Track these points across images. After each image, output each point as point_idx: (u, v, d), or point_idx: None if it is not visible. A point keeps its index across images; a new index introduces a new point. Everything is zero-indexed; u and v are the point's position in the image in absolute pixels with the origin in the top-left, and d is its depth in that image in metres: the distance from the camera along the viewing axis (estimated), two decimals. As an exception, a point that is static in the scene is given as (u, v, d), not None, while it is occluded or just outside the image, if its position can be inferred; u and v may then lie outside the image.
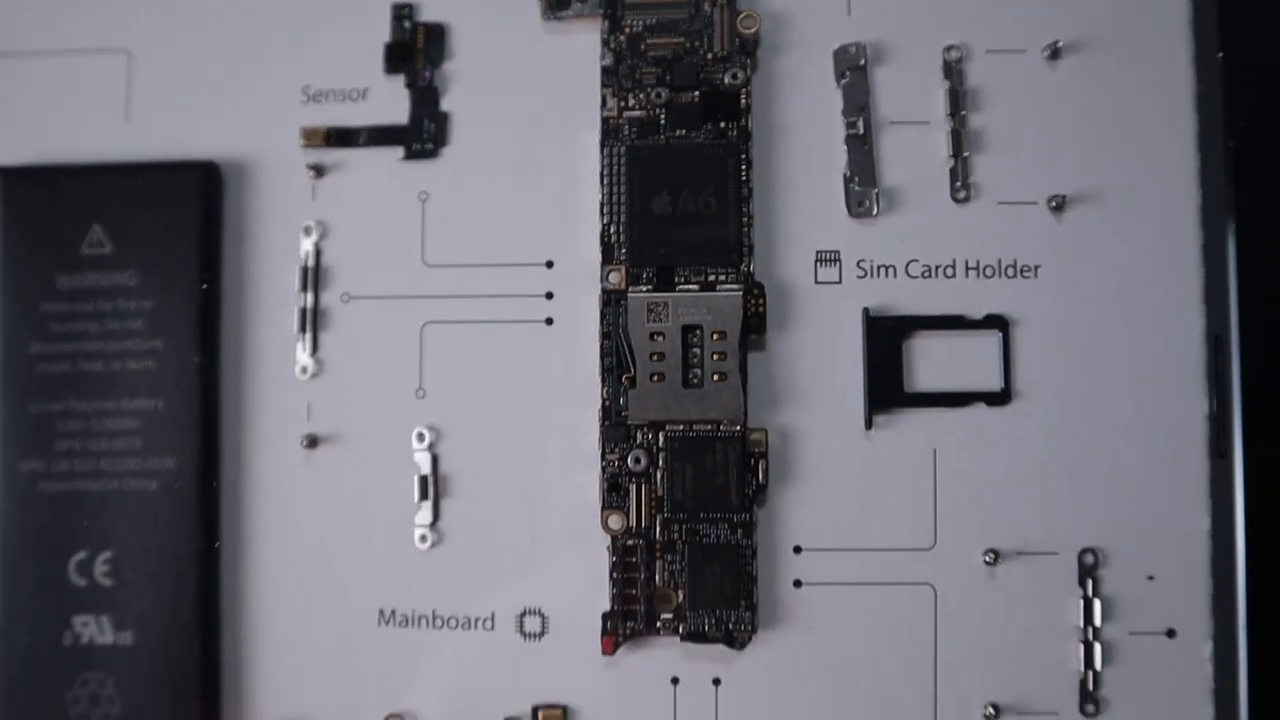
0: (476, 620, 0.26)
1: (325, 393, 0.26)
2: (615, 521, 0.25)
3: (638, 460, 0.25)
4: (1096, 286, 0.25)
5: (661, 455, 0.25)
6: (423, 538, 0.26)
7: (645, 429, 0.25)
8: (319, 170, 0.26)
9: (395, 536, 0.26)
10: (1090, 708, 0.25)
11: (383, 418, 0.26)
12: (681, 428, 0.25)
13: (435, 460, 0.26)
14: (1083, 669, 0.25)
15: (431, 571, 0.26)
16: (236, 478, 0.26)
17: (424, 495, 0.26)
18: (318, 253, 0.26)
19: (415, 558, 0.26)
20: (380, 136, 0.26)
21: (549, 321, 0.26)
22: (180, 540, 0.26)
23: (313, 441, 0.26)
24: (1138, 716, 0.25)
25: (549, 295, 0.26)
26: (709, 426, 0.24)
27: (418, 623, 0.26)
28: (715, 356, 0.24)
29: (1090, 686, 0.25)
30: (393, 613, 0.26)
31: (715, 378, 0.24)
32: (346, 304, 0.26)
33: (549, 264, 0.26)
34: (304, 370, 0.26)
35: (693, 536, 0.24)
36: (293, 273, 0.26)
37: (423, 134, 0.26)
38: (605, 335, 0.25)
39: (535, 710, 0.25)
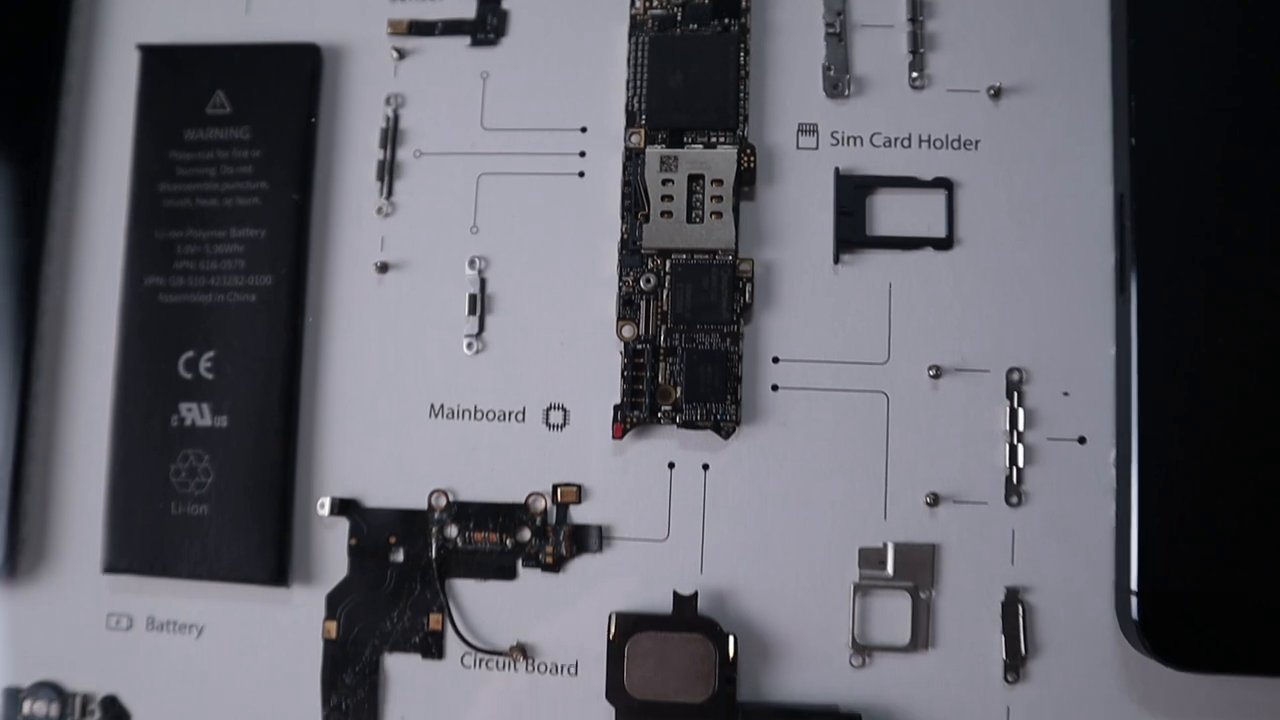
0: (510, 413, 0.31)
1: (396, 228, 0.32)
2: (628, 331, 0.30)
3: (648, 280, 0.30)
4: (1025, 157, 0.30)
5: (667, 277, 0.30)
6: (469, 345, 0.31)
7: (655, 256, 0.30)
8: (401, 53, 0.33)
9: (446, 344, 0.31)
10: (1014, 499, 0.30)
11: (441, 249, 0.32)
12: (684, 256, 0.30)
13: (483, 283, 0.31)
14: (1008, 467, 0.30)
15: (475, 373, 0.31)
16: (320, 295, 0.32)
17: (472, 311, 0.31)
18: (396, 118, 0.32)
19: (462, 361, 0.31)
20: (452, 28, 0.33)
21: (581, 174, 0.32)
22: (271, 344, 0.32)
23: (384, 267, 0.32)
24: (1053, 507, 0.30)
25: (582, 154, 0.32)
26: (707, 255, 0.30)
27: (461, 415, 0.31)
28: (713, 200, 0.30)
29: (1014, 481, 0.30)
30: (441, 406, 0.31)
31: (713, 216, 0.30)
32: (418, 159, 0.32)
33: (583, 129, 0.32)
34: (379, 210, 0.32)
35: (690, 343, 0.30)
36: (374, 134, 0.32)
37: (486, 26, 0.33)
38: (626, 183, 0.31)
39: (555, 488, 0.31)
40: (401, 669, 0.31)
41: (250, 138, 0.32)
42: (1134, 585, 0.28)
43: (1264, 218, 0.28)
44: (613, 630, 0.29)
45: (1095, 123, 0.30)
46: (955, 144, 0.31)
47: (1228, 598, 0.28)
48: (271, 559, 0.31)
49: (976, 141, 0.31)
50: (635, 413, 0.30)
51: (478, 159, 0.32)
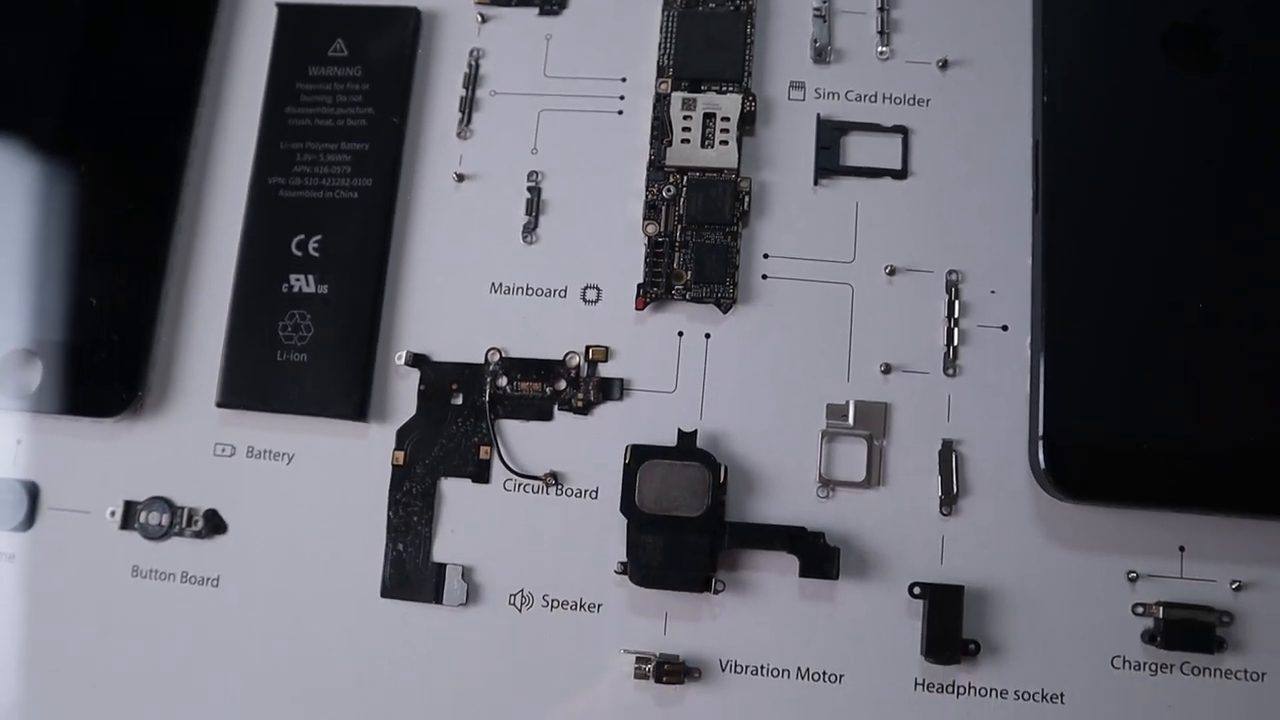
0: (554, 290, 0.39)
1: (471, 149, 0.41)
2: (651, 228, 0.38)
3: (669, 190, 0.39)
4: (964, 111, 0.39)
5: (684, 189, 0.39)
6: (524, 238, 0.39)
7: (675, 173, 0.39)
8: (483, 18, 0.42)
9: (506, 237, 0.40)
10: (950, 371, 0.37)
11: (507, 165, 0.40)
12: (698, 173, 0.39)
13: (539, 191, 0.40)
14: (945, 346, 0.37)
15: (528, 260, 0.39)
16: (408, 196, 0.40)
17: (528, 212, 0.40)
18: (476, 66, 0.41)
19: (519, 249, 0.39)
20: (524, 0, 0.42)
21: (620, 112, 0.40)
22: (367, 231, 0.40)
23: (460, 178, 0.40)
24: (981, 379, 0.37)
25: (621, 97, 0.40)
26: (715, 173, 0.39)
27: (515, 292, 0.39)
28: (722, 132, 0.39)
29: (951, 358, 0.37)
30: (499, 284, 0.39)
31: (721, 144, 0.39)
32: (492, 97, 0.41)
33: (623, 79, 0.40)
34: (459, 135, 0.41)
35: (699, 239, 0.38)
36: (459, 77, 0.41)
37: (551, 1, 0.42)
38: (655, 118, 0.39)
39: (587, 348, 0.38)
40: (454, 491, 0.38)
41: (361, 75, 0.41)
42: (1040, 432, 0.35)
43: (1137, 154, 0.37)
44: (628, 457, 0.36)
45: (1019, 87, 0.39)
46: (911, 101, 0.39)
47: (1117, 442, 0.35)
48: (355, 398, 0.38)
49: (928, 100, 0.39)
50: (654, 289, 0.38)
51: (539, 98, 0.41)
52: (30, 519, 0.39)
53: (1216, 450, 0.35)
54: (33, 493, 0.40)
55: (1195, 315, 0.36)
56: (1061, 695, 0.35)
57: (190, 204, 0.41)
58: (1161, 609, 0.35)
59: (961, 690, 0.36)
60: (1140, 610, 0.36)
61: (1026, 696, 0.35)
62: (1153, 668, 0.35)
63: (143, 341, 0.40)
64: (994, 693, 0.35)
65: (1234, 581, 0.35)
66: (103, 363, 0.39)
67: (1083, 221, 0.37)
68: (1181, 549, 0.36)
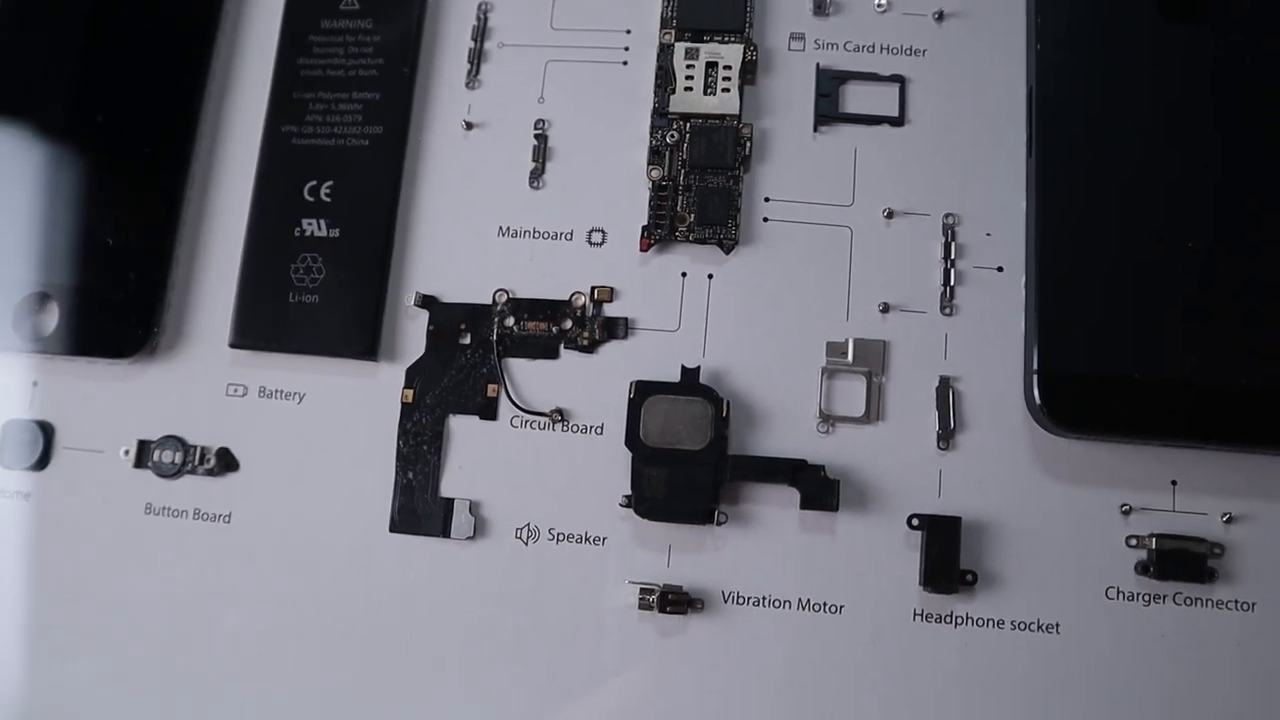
0: (560, 233, 0.40)
1: (480, 98, 0.42)
2: (655, 173, 0.39)
3: (672, 136, 0.40)
4: (958, 62, 0.40)
5: (687, 135, 0.40)
6: (531, 183, 0.40)
7: (678, 119, 0.40)
8: (492, -27, 0.43)
9: (514, 182, 0.41)
10: (947, 310, 0.38)
11: (514, 113, 0.41)
12: (701, 119, 0.40)
13: (545, 138, 0.41)
14: (942, 287, 0.38)
15: (535, 204, 0.40)
16: (418, 143, 0.41)
17: (535, 158, 0.41)
18: (485, 19, 0.42)
19: (526, 194, 0.40)
20: (531, -43, 0.43)
21: (625, 63, 0.41)
22: (378, 177, 0.41)
23: (469, 126, 0.41)
24: (977, 318, 0.38)
25: (626, 49, 0.41)
26: (717, 119, 0.40)
27: (523, 234, 0.40)
28: (724, 80, 0.40)
29: (948, 298, 0.38)
30: (507, 228, 0.40)
31: (723, 91, 0.40)
32: (500, 49, 0.42)
33: (628, 31, 0.42)
34: (468, 84, 0.42)
35: (702, 182, 0.39)
36: (468, 30, 0.42)
37: (557, -42, 0.43)
38: (659, 67, 0.40)
39: (593, 289, 0.39)
40: (462, 428, 0.39)
41: (372, 27, 0.42)
42: (1035, 367, 0.36)
43: (1128, 99, 0.38)
44: (633, 393, 0.37)
45: (1012, 37, 0.40)
46: (908, 52, 0.41)
47: (1109, 376, 0.36)
48: (365, 338, 0.39)
49: (924, 50, 0.40)
50: (658, 231, 0.39)
51: (546, 49, 0.42)
52: (45, 458, 0.40)
53: (1206, 385, 0.36)
54: (48, 433, 0.40)
55: (1185, 253, 0.36)
56: (1057, 625, 0.36)
57: (205, 152, 0.42)
58: (1154, 540, 0.36)
59: (959, 620, 0.36)
60: (1133, 542, 0.36)
61: (1022, 626, 0.36)
62: (1145, 598, 0.36)
63: (158, 283, 0.40)
64: (991, 623, 0.36)
65: (1225, 514, 0.36)
66: (118, 304, 0.40)
67: (1075, 164, 0.38)
68: (1174, 483, 0.37)
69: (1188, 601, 0.36)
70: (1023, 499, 0.37)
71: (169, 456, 0.40)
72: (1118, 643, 0.36)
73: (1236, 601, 0.36)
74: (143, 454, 0.40)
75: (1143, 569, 0.36)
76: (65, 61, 0.42)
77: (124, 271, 0.40)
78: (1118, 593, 0.36)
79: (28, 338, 0.40)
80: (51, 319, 0.40)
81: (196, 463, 0.40)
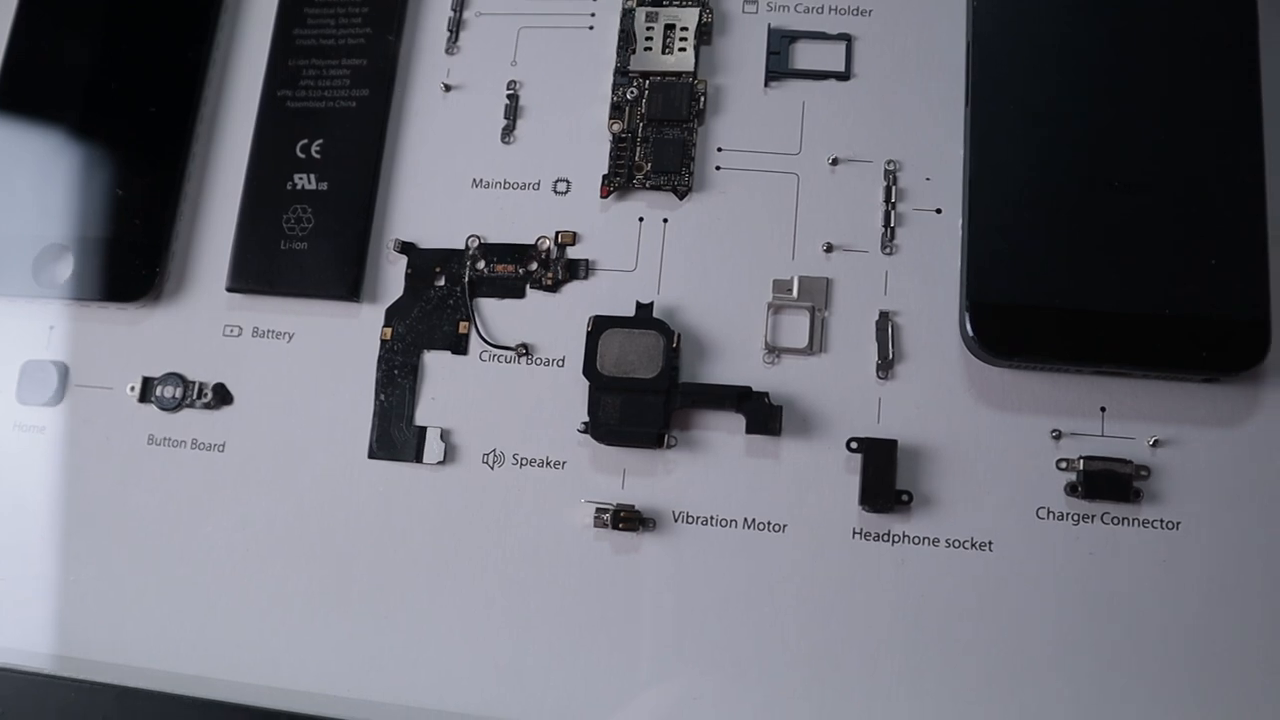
0: (528, 184, 0.43)
1: (458, 62, 0.45)
2: (616, 126, 0.42)
3: (633, 92, 0.43)
4: (902, 21, 0.43)
5: (646, 91, 0.42)
6: (503, 139, 0.44)
7: (639, 77, 0.43)
8: (470, -50, 0.46)
9: (487, 138, 0.44)
10: (888, 250, 0.41)
11: (488, 75, 0.44)
12: (659, 76, 0.43)
13: (517, 97, 0.44)
14: (883, 228, 0.41)
15: (507, 157, 0.43)
16: (401, 104, 0.45)
17: (507, 116, 0.44)
18: (463, -9, 0.46)
19: (498, 149, 0.44)
20: (507, -67, 0.46)
21: (591, 28, 0.44)
22: (364, 135, 0.44)
23: (448, 88, 0.45)
24: (916, 257, 0.40)
25: (592, 14, 0.45)
26: (675, 76, 0.43)
27: (495, 185, 0.43)
28: (681, 41, 0.43)
29: (889, 238, 0.41)
30: (480, 179, 0.43)
31: (680, 51, 0.43)
32: (478, 18, 0.45)
33: (594, -1, 0.45)
34: (447, 50, 0.45)
35: (659, 134, 0.42)
36: (448, 0, 0.46)
37: (531, -66, 0.46)
38: (622, 31, 0.44)
39: (557, 233, 0.42)
40: (435, 362, 0.42)
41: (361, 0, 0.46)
42: (966, 300, 0.38)
43: (1057, 48, 0.40)
44: (590, 326, 0.40)
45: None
46: (854, 12, 0.43)
47: (1036, 307, 0.38)
48: (349, 281, 0.42)
49: (870, 10, 0.43)
50: (617, 179, 0.42)
51: (519, 17, 0.45)
52: (59, 395, 0.44)
53: (1129, 315, 0.38)
54: (62, 372, 0.44)
55: (1109, 192, 0.38)
56: (990, 543, 0.38)
57: (208, 114, 0.46)
58: (1082, 462, 0.38)
59: (896, 539, 0.38)
60: (1063, 465, 0.38)
61: (957, 544, 0.38)
62: (1075, 518, 0.38)
63: (163, 232, 0.44)
64: (927, 540, 0.38)
65: (1152, 439, 0.38)
66: (128, 250, 0.44)
67: (1007, 111, 0.40)
68: (1103, 409, 0.39)
69: (1115, 521, 0.38)
70: (958, 425, 0.39)
71: (170, 392, 0.43)
72: (1048, 560, 0.38)
73: (1162, 521, 0.38)
74: (146, 390, 0.43)
75: (1072, 490, 0.38)
76: (81, 34, 0.46)
77: (134, 218, 0.44)
78: (1048, 513, 0.38)
79: (46, 285, 0.44)
80: (67, 267, 0.44)
81: (195, 397, 0.43)
